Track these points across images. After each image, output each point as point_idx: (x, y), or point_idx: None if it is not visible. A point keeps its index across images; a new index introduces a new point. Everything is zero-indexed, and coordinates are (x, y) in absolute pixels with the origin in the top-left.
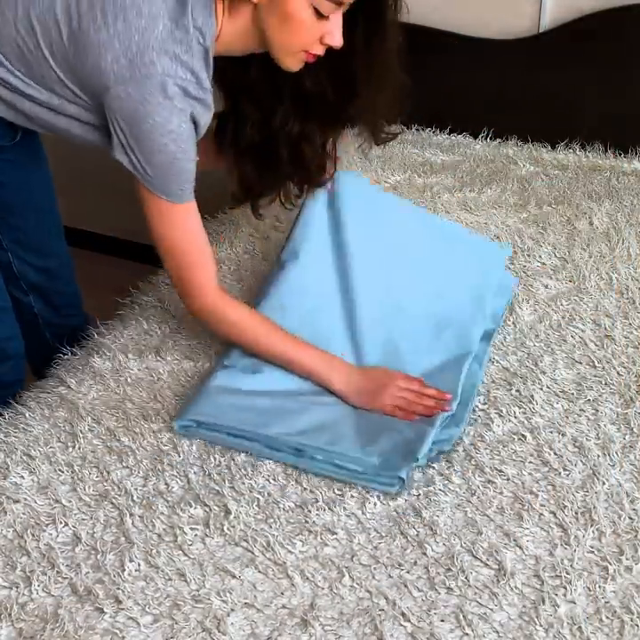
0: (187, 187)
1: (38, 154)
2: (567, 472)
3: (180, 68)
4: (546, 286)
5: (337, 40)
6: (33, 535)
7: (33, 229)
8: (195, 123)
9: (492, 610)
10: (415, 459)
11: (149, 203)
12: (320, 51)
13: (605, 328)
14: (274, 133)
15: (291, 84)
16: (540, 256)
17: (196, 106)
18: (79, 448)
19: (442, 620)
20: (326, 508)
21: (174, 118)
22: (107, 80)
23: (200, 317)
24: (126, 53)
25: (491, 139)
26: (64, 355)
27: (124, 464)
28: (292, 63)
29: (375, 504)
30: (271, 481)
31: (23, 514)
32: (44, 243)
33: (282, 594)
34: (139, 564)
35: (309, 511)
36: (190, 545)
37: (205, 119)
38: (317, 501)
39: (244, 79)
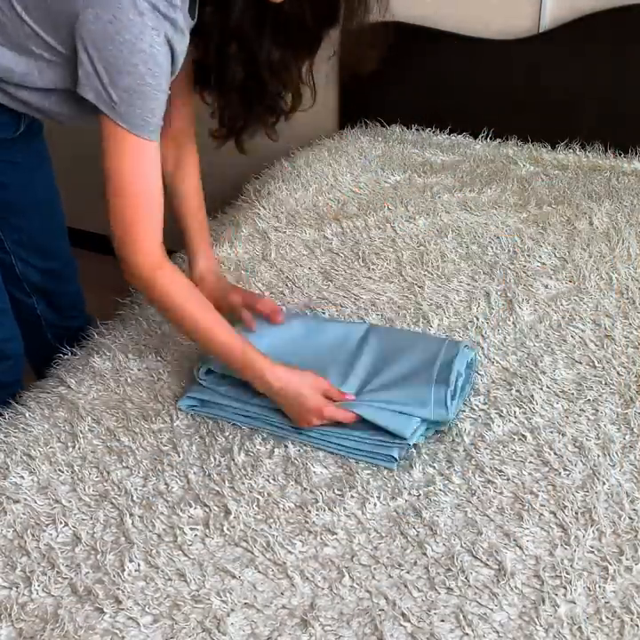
0: (151, 120)
1: (41, 154)
2: (567, 472)
3: None
4: (546, 286)
5: None
6: (33, 535)
7: (37, 231)
8: (171, 49)
9: (491, 610)
10: (406, 444)
11: (107, 132)
12: None
13: (605, 328)
14: (258, 67)
15: (271, 14)
16: (540, 256)
17: (169, 28)
18: (79, 448)
19: (442, 620)
20: (326, 508)
21: (146, 37)
22: (75, 5)
23: (134, 281)
24: None
25: (491, 139)
26: (64, 355)
27: (123, 464)
28: None
29: (375, 504)
30: (271, 481)
31: (23, 514)
32: (47, 244)
33: (282, 594)
34: (139, 564)
35: (309, 511)
36: (190, 545)
37: (182, 47)
38: (317, 501)
39: (228, 20)
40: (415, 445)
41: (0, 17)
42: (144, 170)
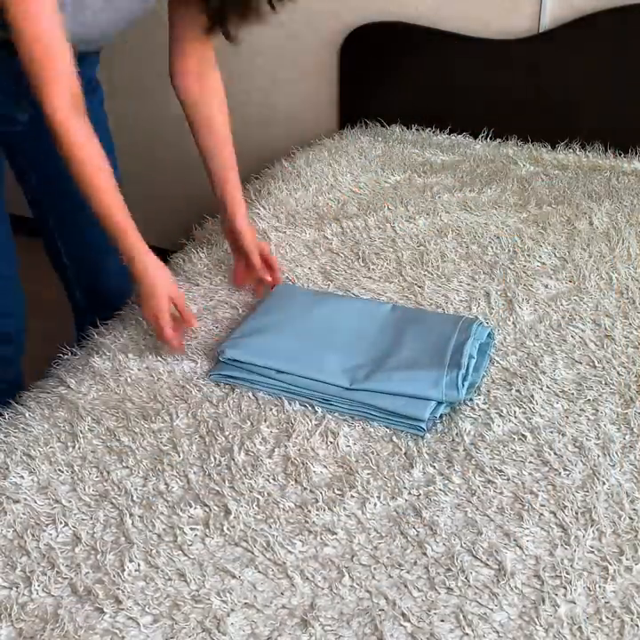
0: None
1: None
2: (567, 472)
3: None
4: (546, 286)
5: None
6: (33, 535)
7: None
8: None
9: (491, 610)
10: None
11: None
12: None
13: (605, 328)
14: None
15: None
16: (540, 256)
17: None
18: (79, 448)
19: (442, 620)
20: (326, 508)
21: None
22: None
23: (49, 125)
24: None
25: (491, 139)
26: (64, 355)
27: (123, 464)
28: None
29: (375, 504)
30: (271, 481)
31: (23, 514)
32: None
33: (282, 594)
34: (139, 564)
35: (309, 511)
36: (190, 545)
37: None
38: (317, 501)
39: None
40: (416, 444)
41: None
42: (42, 21)
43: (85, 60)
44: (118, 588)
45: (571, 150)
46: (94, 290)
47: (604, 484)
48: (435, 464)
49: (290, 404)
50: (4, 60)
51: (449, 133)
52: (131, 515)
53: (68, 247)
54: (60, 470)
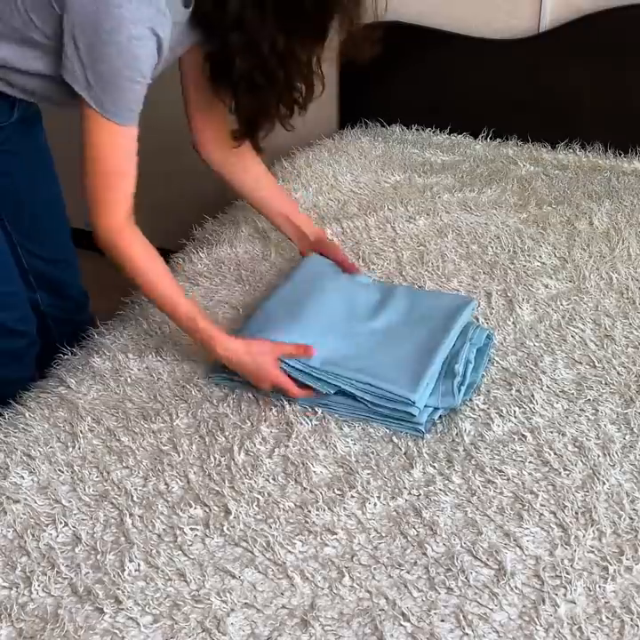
0: (124, 108)
1: (40, 144)
2: (567, 472)
3: None
4: (546, 286)
5: None
6: (33, 535)
7: (41, 220)
8: (157, 36)
9: (492, 610)
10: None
11: (84, 113)
12: None
13: (605, 328)
14: (263, 55)
15: (272, 2)
16: (540, 256)
17: (153, 15)
18: (79, 448)
19: (442, 620)
20: (326, 507)
21: (123, 29)
22: None
23: (102, 245)
24: None
25: (491, 139)
26: (64, 355)
27: (123, 464)
28: None
29: (375, 504)
30: (271, 481)
31: (23, 514)
32: (52, 233)
33: (282, 594)
34: (139, 564)
35: (309, 511)
36: (190, 545)
37: (166, 31)
38: (317, 501)
39: (226, 7)
40: (416, 444)
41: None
42: (115, 151)
43: None
44: (118, 588)
45: (571, 150)
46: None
47: (604, 483)
48: (435, 464)
49: (290, 404)
50: None
51: (449, 133)
52: (131, 515)
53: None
54: (60, 470)
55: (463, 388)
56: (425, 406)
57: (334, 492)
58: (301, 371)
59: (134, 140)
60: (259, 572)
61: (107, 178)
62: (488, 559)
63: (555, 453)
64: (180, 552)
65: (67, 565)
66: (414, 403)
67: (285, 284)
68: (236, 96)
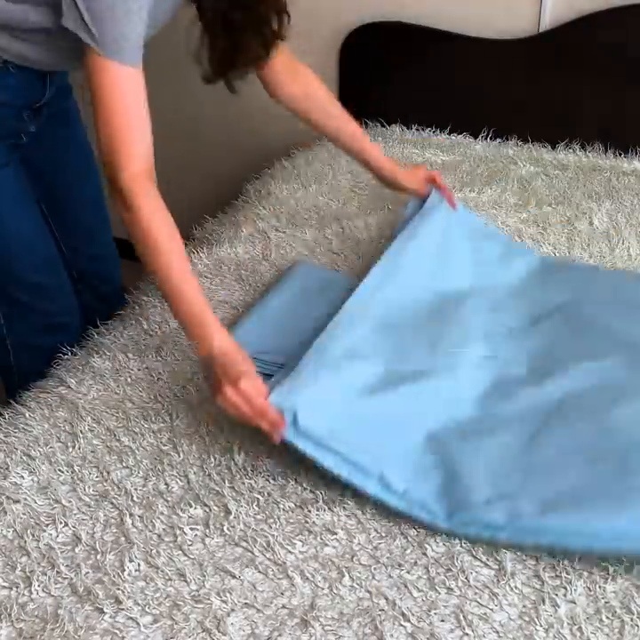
0: (125, 44)
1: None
2: None
3: None
4: None
5: None
6: (33, 535)
7: (80, 212)
8: None
9: (492, 610)
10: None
11: (90, 62)
12: None
13: None
14: None
15: None
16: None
17: None
18: (79, 448)
19: (442, 620)
20: (326, 508)
21: None
22: None
23: (117, 198)
24: None
25: (491, 139)
26: (64, 355)
27: (124, 464)
28: None
29: (375, 504)
30: (271, 481)
31: (23, 514)
32: (91, 227)
33: (282, 594)
34: (139, 564)
35: (309, 511)
36: (190, 545)
37: None
38: (317, 501)
39: None
40: None
41: None
42: (126, 96)
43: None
44: (118, 588)
45: (571, 150)
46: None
47: None
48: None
49: None
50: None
51: (449, 133)
52: (131, 515)
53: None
54: (60, 470)
55: None
56: None
57: (334, 492)
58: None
59: (141, 83)
60: (259, 571)
61: (120, 125)
62: (488, 559)
63: None
64: (179, 552)
65: (67, 565)
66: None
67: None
68: (209, 34)
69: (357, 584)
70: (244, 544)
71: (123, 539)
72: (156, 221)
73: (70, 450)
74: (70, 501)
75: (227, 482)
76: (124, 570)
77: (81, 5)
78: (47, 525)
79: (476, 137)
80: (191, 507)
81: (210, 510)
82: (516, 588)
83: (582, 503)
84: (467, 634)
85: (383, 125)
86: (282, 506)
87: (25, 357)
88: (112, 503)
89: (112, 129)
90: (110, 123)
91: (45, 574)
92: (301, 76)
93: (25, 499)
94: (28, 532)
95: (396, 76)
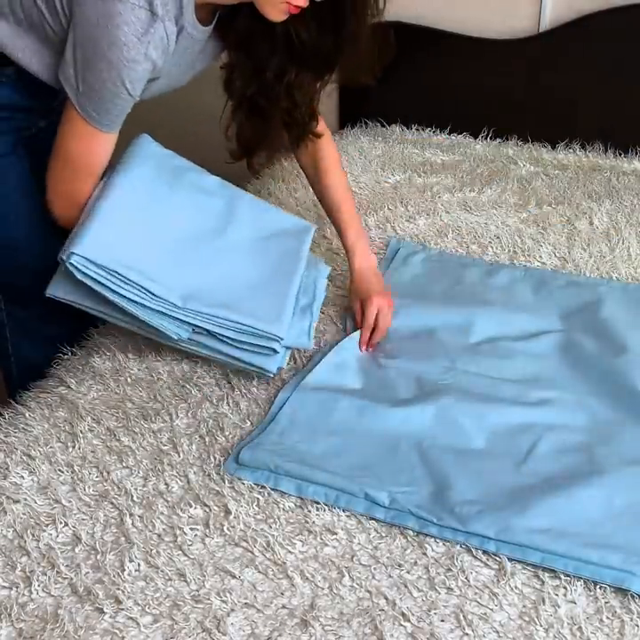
0: (103, 118)
1: None
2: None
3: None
4: None
5: None
6: (33, 535)
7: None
8: (152, 62)
9: (492, 610)
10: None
11: (67, 114)
12: (302, 2)
13: None
14: (267, 84)
15: (284, 34)
16: (541, 256)
17: (155, 40)
18: (79, 448)
19: (442, 620)
20: (326, 508)
21: (115, 50)
22: (72, 2)
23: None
24: None
25: (491, 139)
26: (64, 355)
27: (123, 464)
28: (275, 14)
29: None
30: None
31: (23, 514)
32: None
33: (282, 594)
34: (139, 564)
35: (309, 511)
36: (190, 545)
37: (158, 53)
38: (317, 501)
39: (236, 30)
40: None
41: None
42: (89, 156)
43: None
44: (118, 588)
45: (571, 150)
46: None
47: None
48: None
49: None
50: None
51: (449, 133)
52: (131, 515)
53: None
54: (60, 470)
55: (313, 330)
56: (273, 351)
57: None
58: (161, 311)
59: (111, 144)
60: (259, 571)
61: (76, 173)
62: (488, 559)
63: None
64: (180, 552)
65: (67, 565)
66: (281, 339)
67: (120, 183)
68: (236, 115)
69: (357, 584)
70: (244, 544)
71: (123, 539)
72: None
73: (70, 450)
74: (70, 501)
75: (227, 482)
76: (124, 570)
77: (78, 69)
78: (47, 525)
79: (476, 137)
80: (191, 507)
81: (210, 510)
82: (515, 588)
83: (568, 530)
84: (467, 634)
85: (383, 125)
86: (282, 506)
87: (24, 346)
88: (112, 503)
89: (62, 180)
90: (62, 173)
91: (45, 574)
92: (321, 152)
93: (25, 499)
94: (28, 532)
95: (395, 76)
